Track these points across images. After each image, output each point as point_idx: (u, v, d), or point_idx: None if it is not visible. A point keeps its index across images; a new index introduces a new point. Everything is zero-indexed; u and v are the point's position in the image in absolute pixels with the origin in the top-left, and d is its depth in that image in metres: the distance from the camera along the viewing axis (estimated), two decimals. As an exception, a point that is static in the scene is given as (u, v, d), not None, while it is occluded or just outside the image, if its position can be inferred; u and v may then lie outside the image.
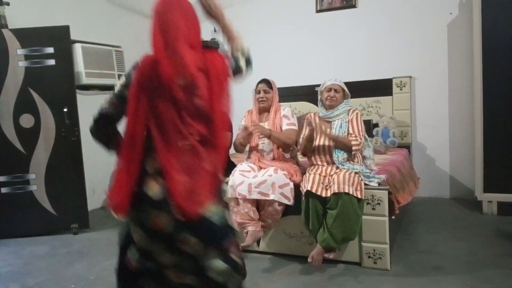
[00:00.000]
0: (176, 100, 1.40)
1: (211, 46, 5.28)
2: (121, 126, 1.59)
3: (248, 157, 3.19)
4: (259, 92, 3.06)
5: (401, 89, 4.46)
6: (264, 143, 3.06)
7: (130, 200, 1.44)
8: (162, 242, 1.44)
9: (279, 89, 3.21)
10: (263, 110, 3.13)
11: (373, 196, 2.62)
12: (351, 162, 2.79)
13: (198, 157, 1.42)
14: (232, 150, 3.39)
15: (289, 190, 2.79)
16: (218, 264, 1.44)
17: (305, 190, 2.66)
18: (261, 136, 2.95)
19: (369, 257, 2.66)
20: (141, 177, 1.45)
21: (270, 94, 3.06)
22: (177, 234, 1.41)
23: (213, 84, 1.47)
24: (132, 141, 1.46)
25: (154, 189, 1.41)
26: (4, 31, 3.56)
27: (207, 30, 5.36)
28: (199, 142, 1.43)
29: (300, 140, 3.02)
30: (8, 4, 3.67)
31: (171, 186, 1.36)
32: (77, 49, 4.18)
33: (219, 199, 1.50)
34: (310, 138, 2.86)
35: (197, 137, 1.43)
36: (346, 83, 2.95)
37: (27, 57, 3.60)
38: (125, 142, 1.50)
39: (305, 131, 2.92)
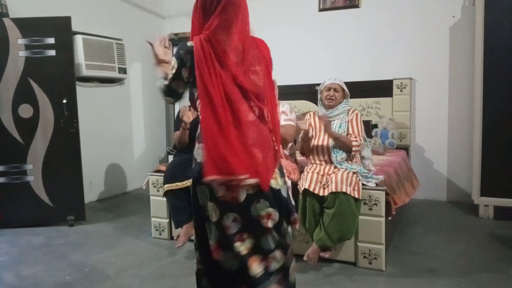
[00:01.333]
0: (234, 76, 1.50)
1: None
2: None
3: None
4: None
5: (401, 91, 4.46)
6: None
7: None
8: (235, 212, 1.53)
9: (280, 87, 3.20)
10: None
11: (370, 197, 2.62)
12: (349, 162, 2.79)
13: (262, 132, 1.54)
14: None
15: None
16: (290, 238, 1.63)
17: (302, 189, 2.66)
18: None
19: (364, 257, 2.67)
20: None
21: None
22: (256, 204, 1.52)
23: (264, 63, 1.60)
24: (207, 120, 1.50)
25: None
26: (5, 20, 3.54)
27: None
28: (258, 117, 1.55)
29: (299, 139, 3.02)
30: (9, -7, 3.65)
31: (237, 165, 1.45)
32: (78, 40, 4.17)
33: (282, 173, 1.64)
34: (305, 138, 2.86)
35: (257, 112, 1.54)
36: (347, 83, 2.95)
37: (27, 47, 3.59)
38: (202, 122, 1.52)
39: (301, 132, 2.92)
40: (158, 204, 3.33)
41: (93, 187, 4.62)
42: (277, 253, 1.58)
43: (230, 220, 1.53)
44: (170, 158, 4.71)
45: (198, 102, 1.55)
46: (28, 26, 3.58)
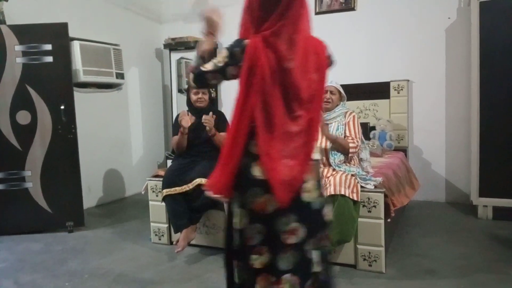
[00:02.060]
0: (285, 83, 1.41)
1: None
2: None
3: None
4: None
5: (398, 93, 4.47)
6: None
7: (234, 181, 1.47)
8: (261, 223, 1.46)
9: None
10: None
11: (369, 199, 2.62)
12: (348, 164, 2.79)
13: (301, 142, 1.44)
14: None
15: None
16: (316, 254, 1.49)
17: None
18: None
19: (364, 259, 2.67)
20: (246, 160, 1.45)
21: None
22: (281, 218, 1.44)
23: (320, 69, 1.49)
24: (239, 124, 1.45)
25: (257, 171, 1.43)
26: (2, 27, 3.54)
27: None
28: (302, 127, 1.45)
29: None
30: (6, 0, 3.65)
31: (275, 170, 1.38)
32: (75, 46, 4.17)
33: (319, 185, 1.53)
34: None
35: (301, 122, 1.44)
36: (344, 85, 2.96)
37: (24, 54, 3.59)
38: (232, 125, 1.48)
39: None
40: (157, 209, 3.33)
41: (91, 192, 4.61)
42: (291, 278, 1.46)
43: (255, 231, 1.47)
44: (169, 163, 4.70)
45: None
46: (25, 32, 3.58)
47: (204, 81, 1.55)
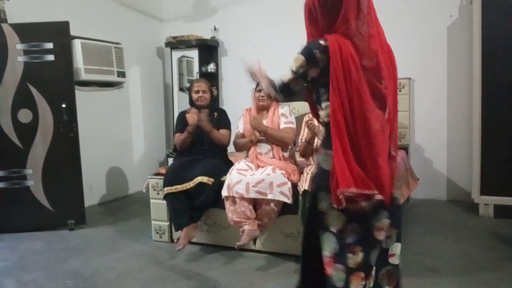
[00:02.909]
0: (370, 82, 1.43)
1: (211, 45, 5.29)
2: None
3: (246, 156, 3.19)
4: (260, 91, 3.07)
5: (400, 91, 4.46)
6: (262, 142, 3.07)
7: (326, 182, 1.48)
8: (357, 223, 1.48)
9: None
10: (262, 108, 3.14)
11: (370, 197, 2.61)
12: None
13: (385, 141, 1.48)
14: (230, 149, 3.40)
15: (287, 189, 2.79)
16: (397, 247, 1.57)
17: (302, 190, 2.66)
18: (258, 138, 2.98)
19: (365, 257, 2.66)
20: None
21: None
22: (375, 215, 1.48)
23: (392, 69, 1.51)
24: (339, 126, 1.44)
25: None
26: (3, 25, 3.55)
27: (207, 29, 5.37)
28: (385, 125, 1.48)
29: (299, 141, 3.02)
30: (8, -2, 3.66)
31: (382, 167, 1.42)
32: (77, 45, 4.17)
33: (400, 182, 1.63)
34: (311, 140, 2.86)
35: (380, 121, 1.46)
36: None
37: (26, 52, 3.59)
38: (334, 128, 1.45)
39: (304, 132, 2.92)
40: (158, 207, 3.34)
41: (93, 191, 4.62)
42: (373, 272, 1.52)
43: (351, 230, 1.48)
44: (170, 161, 4.71)
45: (323, 104, 1.51)
46: (26, 31, 3.58)
47: (289, 90, 1.57)
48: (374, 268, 1.53)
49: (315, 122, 2.94)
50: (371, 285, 1.53)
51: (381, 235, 1.49)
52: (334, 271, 1.47)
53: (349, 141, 1.41)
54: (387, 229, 1.52)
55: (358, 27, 1.45)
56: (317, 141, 2.86)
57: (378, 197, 1.41)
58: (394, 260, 1.55)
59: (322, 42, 1.46)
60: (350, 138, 1.42)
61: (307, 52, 1.49)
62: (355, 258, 1.47)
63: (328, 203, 1.49)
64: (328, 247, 1.48)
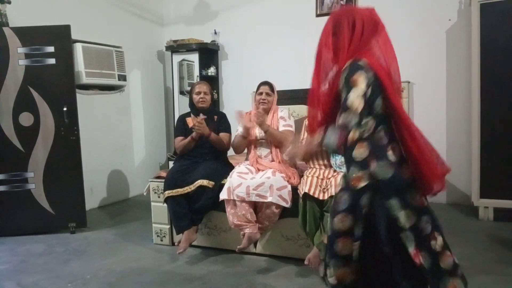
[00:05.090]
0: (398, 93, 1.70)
1: (211, 49, 5.31)
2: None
3: (246, 159, 3.20)
4: (261, 94, 3.09)
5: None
6: (262, 145, 3.08)
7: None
8: (426, 214, 1.65)
9: (278, 92, 3.24)
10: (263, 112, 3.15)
11: (370, 200, 2.62)
12: (349, 166, 2.80)
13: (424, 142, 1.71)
14: (230, 152, 3.41)
15: (287, 193, 2.80)
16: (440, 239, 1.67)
17: (302, 193, 2.67)
18: (259, 137, 2.99)
19: (365, 260, 2.67)
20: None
21: (271, 97, 3.11)
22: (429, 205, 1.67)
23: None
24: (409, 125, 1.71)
25: (406, 172, 1.65)
26: (5, 29, 3.57)
27: (208, 32, 5.39)
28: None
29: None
30: (9, 2, 3.67)
31: (428, 168, 1.63)
32: (78, 48, 4.19)
33: None
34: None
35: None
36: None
37: (27, 56, 3.61)
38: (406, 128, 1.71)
39: (303, 136, 2.93)
40: (159, 210, 3.34)
41: (94, 194, 4.63)
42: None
43: (424, 222, 1.63)
44: (171, 164, 4.72)
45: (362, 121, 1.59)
46: (27, 35, 3.60)
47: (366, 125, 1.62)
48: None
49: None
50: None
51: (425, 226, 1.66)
52: (423, 259, 1.60)
53: (419, 147, 1.70)
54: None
55: (379, 47, 1.70)
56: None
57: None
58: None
59: (360, 62, 1.58)
60: (418, 144, 1.71)
61: (362, 75, 1.55)
62: (438, 242, 1.64)
63: (398, 206, 1.59)
64: (409, 243, 1.60)
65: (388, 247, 1.63)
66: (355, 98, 1.51)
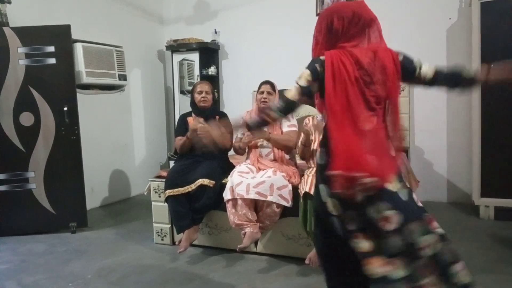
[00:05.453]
0: (361, 88, 1.61)
1: (212, 48, 5.31)
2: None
3: (247, 158, 3.20)
4: (262, 93, 3.09)
5: (400, 93, 4.46)
6: (262, 145, 3.08)
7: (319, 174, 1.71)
8: (354, 210, 1.60)
9: (279, 91, 3.24)
10: (263, 111, 3.15)
11: (370, 199, 2.62)
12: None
13: (379, 139, 1.63)
14: (231, 151, 3.41)
15: (287, 192, 2.80)
16: (429, 239, 1.56)
17: (303, 192, 2.67)
18: (260, 142, 2.99)
19: (365, 259, 2.67)
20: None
21: (273, 96, 3.11)
22: (372, 207, 1.56)
23: (386, 72, 1.66)
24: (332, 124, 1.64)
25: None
26: (5, 29, 3.57)
27: (208, 32, 5.39)
28: (379, 126, 1.64)
29: (299, 143, 3.04)
30: (9, 2, 3.67)
31: (362, 164, 1.55)
32: (78, 48, 4.19)
33: (401, 179, 1.65)
34: (307, 143, 2.88)
35: (375, 121, 1.63)
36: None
37: (27, 56, 3.61)
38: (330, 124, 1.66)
39: (302, 136, 2.94)
40: (160, 210, 3.35)
41: (95, 193, 4.63)
42: (399, 261, 1.54)
43: (349, 218, 1.61)
44: (171, 163, 4.72)
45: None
46: (28, 34, 3.60)
47: (292, 108, 1.69)
48: (405, 260, 1.56)
49: (309, 126, 2.97)
50: (400, 273, 1.55)
51: (388, 226, 1.54)
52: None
53: (342, 139, 1.58)
54: (395, 220, 1.55)
55: (361, 42, 1.69)
56: (313, 145, 2.89)
57: (367, 180, 1.52)
58: (426, 252, 1.56)
59: (321, 57, 1.66)
60: (343, 136, 1.59)
61: (311, 67, 1.68)
62: (364, 243, 1.57)
63: (325, 192, 1.66)
64: (337, 229, 1.63)
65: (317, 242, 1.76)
66: (290, 89, 1.67)
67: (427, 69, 1.77)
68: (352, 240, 1.60)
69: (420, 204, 1.68)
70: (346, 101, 1.59)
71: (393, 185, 1.59)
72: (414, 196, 1.68)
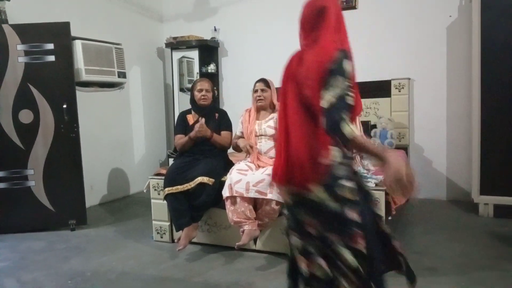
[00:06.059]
0: (292, 93, 1.65)
1: (211, 46, 5.30)
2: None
3: (247, 156, 3.20)
4: (257, 91, 3.11)
5: (399, 91, 4.47)
6: (261, 142, 3.08)
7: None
8: (287, 210, 1.69)
9: (277, 89, 3.23)
10: (261, 108, 3.16)
11: (369, 197, 2.62)
12: (349, 163, 2.80)
13: (300, 148, 1.56)
14: (230, 149, 3.41)
15: (286, 190, 2.80)
16: (346, 255, 1.49)
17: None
18: (259, 133, 3.04)
19: (364, 257, 2.67)
20: None
21: (267, 92, 3.11)
22: (294, 208, 1.62)
23: (311, 79, 1.58)
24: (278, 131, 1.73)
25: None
26: (4, 26, 3.56)
27: (208, 29, 5.38)
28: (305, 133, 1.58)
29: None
30: (8, -1, 3.67)
31: (273, 172, 1.65)
32: (77, 45, 4.17)
33: (332, 191, 1.49)
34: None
35: (298, 127, 1.59)
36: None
37: (27, 53, 3.60)
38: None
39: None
40: (159, 207, 3.35)
41: (94, 191, 4.63)
42: (321, 261, 1.54)
43: (287, 216, 1.70)
44: (171, 161, 4.72)
45: None
46: (27, 32, 3.60)
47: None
48: (328, 266, 1.54)
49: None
50: (320, 273, 1.55)
51: (310, 229, 1.57)
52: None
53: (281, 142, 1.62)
54: (316, 227, 1.54)
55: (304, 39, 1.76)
56: None
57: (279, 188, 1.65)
58: (351, 264, 1.49)
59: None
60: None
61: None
62: (293, 240, 1.64)
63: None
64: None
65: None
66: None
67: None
68: (290, 236, 1.66)
69: (357, 219, 1.48)
70: (284, 104, 1.67)
71: (316, 195, 1.50)
72: (347, 210, 1.48)
